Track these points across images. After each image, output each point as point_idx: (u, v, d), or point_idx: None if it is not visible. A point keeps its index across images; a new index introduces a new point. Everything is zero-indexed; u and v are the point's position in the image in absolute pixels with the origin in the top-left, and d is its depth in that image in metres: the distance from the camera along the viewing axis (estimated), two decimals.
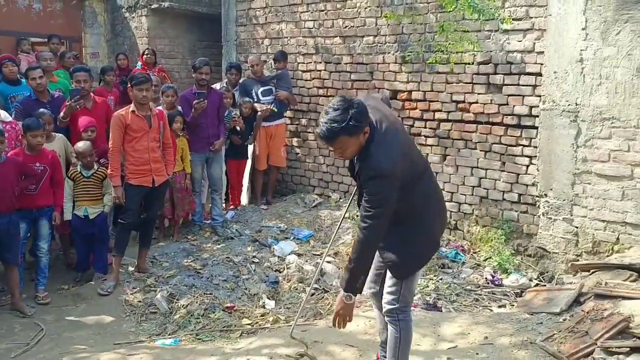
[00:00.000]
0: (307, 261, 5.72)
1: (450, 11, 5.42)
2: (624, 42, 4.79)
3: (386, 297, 3.02)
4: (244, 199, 7.49)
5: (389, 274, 3.01)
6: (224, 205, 6.95)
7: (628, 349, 3.25)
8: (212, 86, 6.74)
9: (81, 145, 5.23)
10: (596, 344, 3.41)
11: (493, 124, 5.75)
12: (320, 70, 7.20)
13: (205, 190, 6.78)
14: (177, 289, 5.05)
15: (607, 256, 4.88)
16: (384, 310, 3.06)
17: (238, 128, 6.74)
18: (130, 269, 5.41)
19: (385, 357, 3.16)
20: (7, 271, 4.74)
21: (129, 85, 5.10)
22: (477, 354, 3.63)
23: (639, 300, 3.72)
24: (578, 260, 5.03)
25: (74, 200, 5.24)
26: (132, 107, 5.08)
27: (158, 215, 5.73)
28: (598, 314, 3.68)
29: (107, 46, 9.56)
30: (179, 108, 6.26)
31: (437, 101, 6.13)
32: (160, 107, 6.38)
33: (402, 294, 2.98)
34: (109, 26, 9.65)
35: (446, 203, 6.08)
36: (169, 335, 4.45)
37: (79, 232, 5.30)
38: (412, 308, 4.16)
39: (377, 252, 2.97)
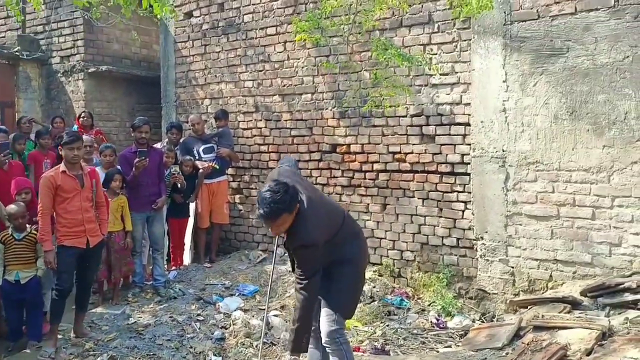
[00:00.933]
0: (253, 316, 5.64)
1: (382, 61, 5.71)
2: (540, 92, 5.21)
3: (325, 325, 3.23)
4: (187, 258, 7.37)
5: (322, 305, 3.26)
6: (166, 265, 6.81)
7: None
8: (153, 145, 6.75)
9: (13, 207, 5.04)
10: None
11: (429, 172, 6.01)
12: (260, 128, 7.36)
13: (146, 250, 6.64)
14: (118, 352, 4.85)
15: (542, 293, 5.10)
16: (325, 338, 3.22)
17: (179, 185, 6.72)
18: (68, 334, 5.16)
19: None
20: None
21: (59, 145, 4.97)
22: None
23: (574, 329, 3.91)
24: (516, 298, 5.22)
25: (4, 265, 5.00)
26: (62, 167, 4.89)
27: (95, 278, 5.51)
28: (537, 345, 3.83)
29: (42, 110, 9.41)
30: (118, 167, 6.21)
31: (375, 153, 6.37)
32: (97, 167, 6.32)
33: (337, 318, 3.29)
34: (44, 91, 9.54)
35: (389, 251, 6.30)
36: None
37: (10, 298, 5.01)
38: (360, 352, 4.23)
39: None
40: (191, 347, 5.04)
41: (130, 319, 5.52)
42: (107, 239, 5.87)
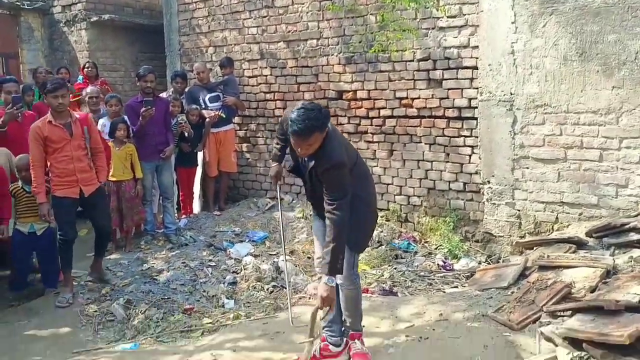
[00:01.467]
0: (263, 261, 5.77)
1: (388, 3, 5.60)
2: (550, 33, 5.12)
3: (346, 271, 3.25)
4: (196, 207, 7.47)
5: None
6: (176, 213, 6.92)
7: (571, 311, 3.47)
8: (159, 95, 6.74)
9: (18, 158, 5.05)
10: (542, 310, 3.64)
11: (436, 117, 5.99)
12: (266, 75, 7.31)
13: (156, 199, 6.73)
14: (134, 296, 5.00)
15: (548, 234, 5.17)
16: (343, 280, 3.29)
17: (186, 134, 6.74)
18: (84, 280, 5.31)
19: (333, 334, 3.51)
20: None
21: (44, 93, 4.86)
22: (434, 329, 3.79)
23: (579, 268, 3.99)
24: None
25: (17, 217, 5.06)
26: (48, 116, 4.79)
27: (108, 224, 5.55)
28: (542, 284, 3.91)
29: (46, 61, 9.34)
30: (125, 117, 6.23)
31: (382, 99, 6.34)
32: (103, 117, 6.34)
33: (354, 260, 3.40)
34: (47, 41, 9.44)
35: (396, 196, 6.35)
36: (128, 340, 4.40)
37: (22, 249, 5.09)
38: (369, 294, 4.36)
39: (320, 237, 3.41)
40: (204, 291, 5.18)
41: (144, 265, 5.66)
42: (118, 188, 5.97)
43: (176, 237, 6.36)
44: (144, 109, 6.04)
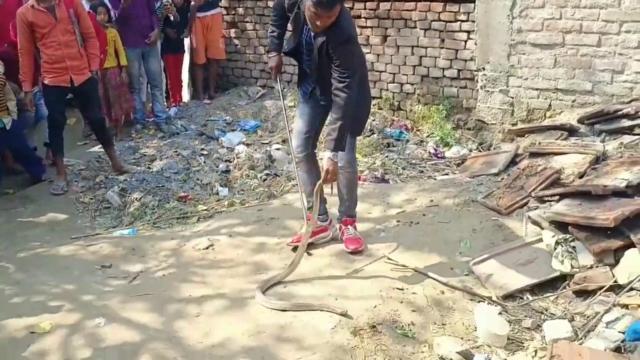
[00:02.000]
0: (256, 150, 5.78)
1: None
2: None
3: (347, 154, 3.32)
4: (185, 95, 7.35)
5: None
6: (165, 102, 6.81)
7: (559, 196, 3.56)
8: None
9: None
10: (531, 195, 3.72)
11: (432, 0, 5.75)
12: None
13: (144, 87, 6.59)
14: (128, 184, 5.05)
15: (540, 122, 5.17)
16: (345, 163, 3.34)
17: (172, 17, 6.45)
18: (77, 168, 5.33)
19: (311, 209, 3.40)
20: None
21: None
22: (424, 215, 3.89)
23: (569, 154, 4.03)
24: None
25: None
26: (31, 1, 4.57)
27: (100, 112, 5.46)
28: (532, 170, 3.97)
29: None
30: (106, 1, 5.92)
31: None
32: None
33: (354, 144, 3.43)
34: None
35: (389, 84, 6.26)
36: (126, 226, 4.50)
37: None
38: (361, 181, 4.41)
39: (307, 120, 3.40)
40: (198, 180, 5.24)
41: (136, 154, 5.66)
42: (103, 76, 5.80)
43: (167, 125, 6.31)
44: None
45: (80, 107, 5.21)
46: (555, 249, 3.10)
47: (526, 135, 4.89)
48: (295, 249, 3.38)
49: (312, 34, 3.11)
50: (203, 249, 3.70)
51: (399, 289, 3.00)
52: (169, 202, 4.84)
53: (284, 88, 3.41)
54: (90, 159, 5.55)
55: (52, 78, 4.73)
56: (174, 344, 2.64)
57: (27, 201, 4.87)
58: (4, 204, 4.84)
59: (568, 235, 3.14)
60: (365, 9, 6.21)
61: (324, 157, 3.13)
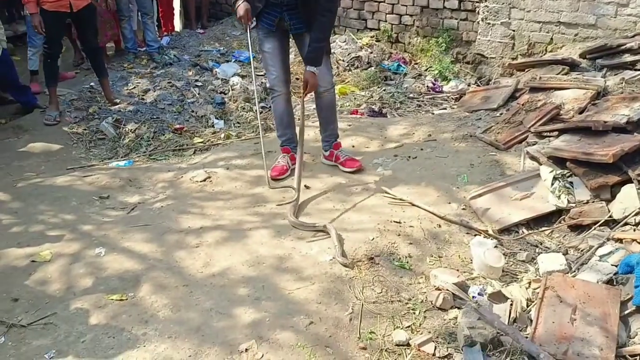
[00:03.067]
0: (251, 82, 5.68)
1: None
2: None
3: (327, 75, 3.47)
4: (178, 24, 7.14)
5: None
6: (157, 31, 6.61)
7: (558, 131, 3.54)
8: None
9: None
10: (530, 131, 3.70)
11: None
12: None
13: (134, 15, 6.36)
14: (122, 115, 4.98)
15: (541, 56, 5.09)
16: (327, 86, 3.46)
17: None
18: (69, 99, 5.23)
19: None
20: None
21: None
22: (422, 149, 3.87)
23: (570, 89, 3.98)
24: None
25: None
26: None
27: (97, 41, 5.30)
28: (532, 105, 3.94)
29: None
30: None
31: None
32: None
33: (331, 65, 3.59)
34: None
35: (387, 15, 6.10)
36: (122, 158, 4.47)
37: None
38: (358, 115, 4.39)
39: (282, 59, 3.45)
40: (193, 111, 5.17)
41: (129, 84, 5.55)
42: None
43: (159, 55, 6.16)
44: None
45: (78, 33, 5.07)
46: (552, 184, 3.12)
47: (526, 70, 4.82)
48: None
49: None
50: (200, 181, 3.69)
51: (397, 222, 3.03)
52: (164, 134, 4.79)
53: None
54: (83, 89, 5.44)
55: (52, 3, 4.62)
56: (175, 272, 2.68)
57: (20, 131, 4.81)
58: None
59: (566, 171, 3.15)
60: None
61: (306, 71, 3.29)
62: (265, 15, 3.35)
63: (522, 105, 4.00)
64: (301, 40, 3.40)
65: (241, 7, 3.26)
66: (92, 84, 5.47)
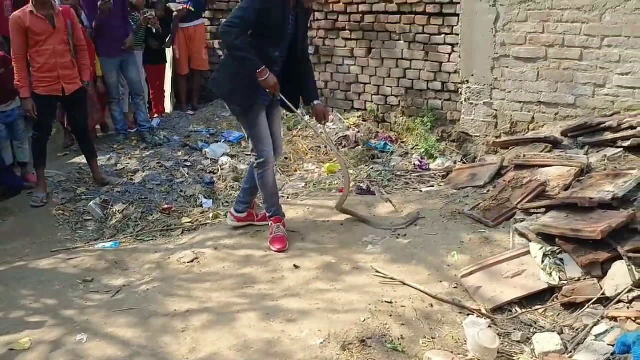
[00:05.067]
0: (240, 161, 5.74)
1: None
2: None
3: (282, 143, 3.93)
4: (168, 106, 7.28)
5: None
6: (148, 113, 6.74)
7: (545, 208, 3.57)
8: None
9: None
10: (517, 208, 3.73)
11: (416, 13, 5.79)
12: None
13: (126, 97, 6.50)
14: (110, 196, 4.97)
15: (524, 134, 5.22)
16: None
17: (154, 30, 6.41)
18: (58, 180, 5.23)
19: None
20: None
21: None
22: (414, 226, 3.87)
23: (554, 167, 4.06)
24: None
25: None
26: (29, 6, 4.56)
27: (87, 124, 5.38)
28: (518, 182, 3.99)
29: None
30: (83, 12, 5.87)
31: None
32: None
33: None
34: None
35: (373, 96, 6.27)
36: (108, 239, 4.42)
37: None
38: None
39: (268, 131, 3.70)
40: (182, 191, 5.17)
41: (118, 165, 5.58)
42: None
43: (150, 135, 6.23)
44: (101, 2, 5.67)
45: (69, 116, 5.16)
46: (542, 261, 3.11)
47: (510, 148, 4.92)
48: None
49: (294, 15, 3.48)
50: (188, 262, 3.64)
51: (388, 302, 2.97)
52: (152, 214, 4.77)
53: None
54: (71, 170, 5.45)
55: (45, 87, 4.71)
56: (159, 359, 2.58)
57: (6, 213, 4.76)
58: None
59: (555, 248, 3.15)
60: (350, 21, 6.24)
61: (318, 105, 3.74)
62: (263, 90, 3.50)
63: (508, 182, 4.05)
64: (276, 111, 3.80)
65: (272, 78, 3.43)
66: (81, 165, 5.49)
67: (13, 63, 4.65)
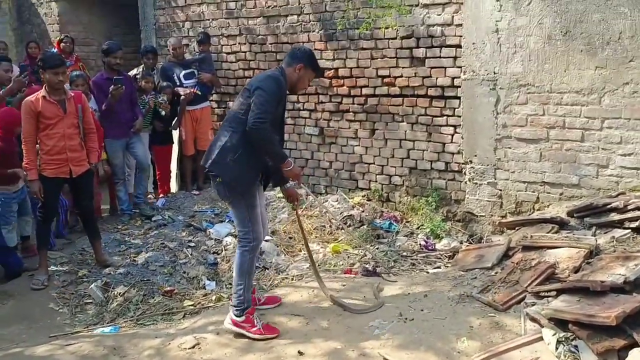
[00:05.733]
0: None
1: None
2: (535, 11, 5.07)
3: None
4: (174, 186, 7.34)
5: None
6: (153, 193, 6.81)
7: (556, 292, 3.49)
8: (129, 73, 6.62)
9: None
10: (527, 291, 3.65)
11: (418, 96, 5.93)
12: (244, 52, 7.14)
13: (132, 178, 6.57)
14: (112, 278, 4.89)
15: (529, 214, 5.19)
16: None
17: (163, 113, 6.59)
18: (59, 262, 5.17)
19: None
20: None
21: (41, 68, 4.76)
22: (420, 310, 3.77)
23: (562, 248, 4.01)
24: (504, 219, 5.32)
25: None
26: (42, 92, 4.71)
27: (93, 205, 5.40)
28: (526, 264, 3.92)
29: (14, 34, 9.01)
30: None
31: (364, 77, 6.25)
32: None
33: None
34: (15, 14, 9.07)
35: (377, 176, 6.30)
36: (108, 323, 4.30)
37: None
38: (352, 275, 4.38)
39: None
40: (184, 273, 5.10)
41: (121, 246, 5.54)
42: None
43: (147, 207, 6.26)
44: (113, 87, 5.87)
45: (75, 197, 5.19)
46: (557, 348, 3.00)
47: (517, 228, 4.89)
48: None
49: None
50: (188, 349, 3.53)
51: None
52: (153, 297, 4.66)
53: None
54: (74, 251, 5.41)
55: (53, 169, 4.77)
56: None
57: (5, 296, 4.66)
58: None
59: (569, 334, 3.05)
60: (354, 103, 6.39)
61: (289, 188, 3.96)
62: (259, 172, 3.69)
63: (517, 264, 3.99)
64: (261, 190, 3.94)
65: (297, 168, 3.80)
66: (84, 246, 5.45)
67: (22, 146, 4.73)
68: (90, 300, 4.65)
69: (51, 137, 4.74)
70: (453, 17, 5.58)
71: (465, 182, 5.70)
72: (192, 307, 4.47)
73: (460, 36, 5.54)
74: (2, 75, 5.60)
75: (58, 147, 4.76)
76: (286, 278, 4.86)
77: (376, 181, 6.35)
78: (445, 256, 5.21)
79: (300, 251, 5.52)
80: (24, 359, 3.50)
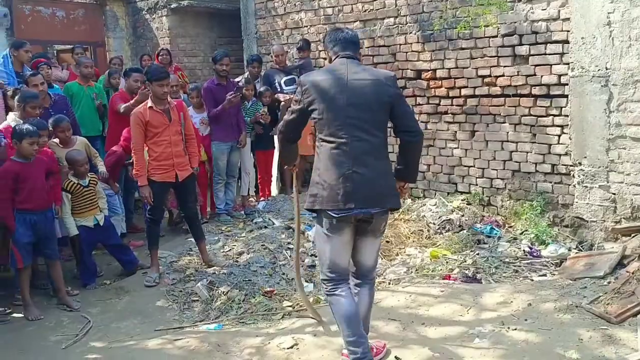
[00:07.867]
0: None
1: None
2: None
3: (375, 261, 3.37)
4: (274, 189, 7.55)
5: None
6: (254, 196, 7.09)
7: None
8: (235, 80, 6.91)
9: (75, 154, 5.17)
10: None
11: (521, 95, 5.69)
12: None
13: (234, 180, 6.88)
14: (216, 277, 5.11)
15: None
16: (372, 273, 3.40)
17: (263, 122, 6.85)
18: (169, 261, 5.49)
19: None
20: (50, 267, 4.85)
21: (147, 80, 5.10)
22: (524, 320, 3.61)
23: None
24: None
25: (76, 213, 5.13)
26: (149, 102, 5.03)
27: (195, 206, 5.65)
28: None
29: (130, 49, 9.72)
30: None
31: (463, 77, 6.09)
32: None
33: None
34: (131, 29, 9.80)
35: (478, 179, 6.11)
36: (212, 320, 4.51)
37: (89, 242, 5.21)
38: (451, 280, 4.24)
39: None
40: (284, 274, 5.22)
41: (225, 247, 5.78)
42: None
43: (227, 216, 6.55)
44: (232, 94, 6.22)
45: (179, 200, 5.51)
46: None
47: (633, 235, 4.54)
48: None
49: None
50: (287, 349, 3.62)
51: None
52: (254, 297, 4.82)
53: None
54: (182, 251, 5.72)
55: (161, 174, 5.09)
56: None
57: (122, 292, 5.03)
58: (101, 294, 5.02)
59: None
60: (452, 105, 6.24)
61: None
62: None
63: (633, 273, 3.71)
64: None
65: None
66: (190, 246, 5.75)
67: (133, 154, 5.09)
68: (197, 298, 4.89)
69: (159, 144, 5.06)
70: (559, 11, 5.30)
71: (574, 185, 5.38)
72: (290, 308, 4.57)
73: (568, 31, 5.24)
74: (132, 85, 6.17)
75: (165, 153, 5.07)
76: (383, 282, 4.84)
77: (476, 184, 6.16)
78: (552, 263, 4.95)
79: (397, 255, 5.48)
80: (137, 352, 3.75)
